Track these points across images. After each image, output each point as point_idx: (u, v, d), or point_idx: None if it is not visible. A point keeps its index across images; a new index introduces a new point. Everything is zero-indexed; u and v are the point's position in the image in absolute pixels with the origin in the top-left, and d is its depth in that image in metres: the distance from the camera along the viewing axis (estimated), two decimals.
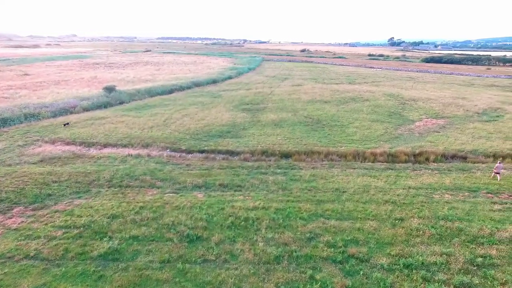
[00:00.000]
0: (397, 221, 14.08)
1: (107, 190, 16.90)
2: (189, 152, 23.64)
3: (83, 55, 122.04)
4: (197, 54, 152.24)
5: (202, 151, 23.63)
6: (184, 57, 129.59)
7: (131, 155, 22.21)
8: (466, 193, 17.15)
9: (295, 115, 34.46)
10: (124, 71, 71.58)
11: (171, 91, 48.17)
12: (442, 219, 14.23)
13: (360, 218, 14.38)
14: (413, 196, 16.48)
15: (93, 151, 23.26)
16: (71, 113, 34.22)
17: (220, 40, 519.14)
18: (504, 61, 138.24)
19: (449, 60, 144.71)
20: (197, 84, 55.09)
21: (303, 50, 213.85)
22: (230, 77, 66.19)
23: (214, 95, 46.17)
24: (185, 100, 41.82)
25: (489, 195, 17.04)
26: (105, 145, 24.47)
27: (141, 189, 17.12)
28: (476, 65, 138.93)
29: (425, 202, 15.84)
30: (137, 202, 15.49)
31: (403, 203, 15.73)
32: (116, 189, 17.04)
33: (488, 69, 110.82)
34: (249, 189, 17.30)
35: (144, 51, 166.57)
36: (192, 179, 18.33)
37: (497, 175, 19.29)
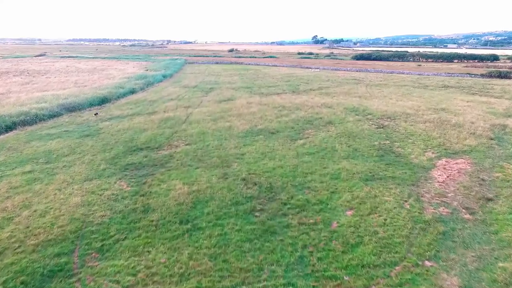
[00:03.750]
0: None
1: None
2: None
3: None
4: (106, 58, 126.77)
5: None
6: (86, 62, 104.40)
7: None
8: None
9: (225, 176, 18.05)
10: None
11: (8, 128, 27.76)
12: None
13: None
14: None
15: None
16: None
17: (141, 42, 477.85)
18: (426, 57, 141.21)
19: (378, 57, 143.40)
20: (72, 108, 35.16)
21: (231, 50, 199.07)
22: (132, 91, 47.04)
23: (86, 131, 27.29)
24: (15, 152, 22.33)
25: None
26: None
27: None
28: (402, 61, 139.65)
29: None
30: None
31: None
32: None
33: (419, 65, 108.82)
34: None
35: (37, 56, 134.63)
36: None
37: None
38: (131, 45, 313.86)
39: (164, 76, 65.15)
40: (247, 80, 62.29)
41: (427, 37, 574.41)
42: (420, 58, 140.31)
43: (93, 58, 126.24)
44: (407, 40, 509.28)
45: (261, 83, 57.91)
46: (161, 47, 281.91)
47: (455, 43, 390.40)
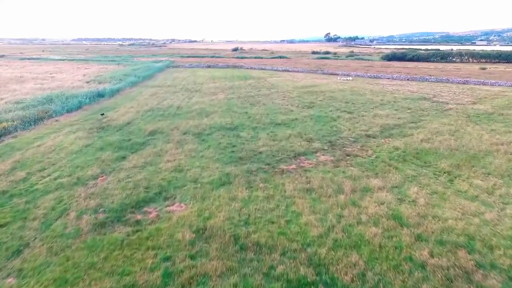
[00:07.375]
0: None
1: None
2: None
3: None
4: (73, 60, 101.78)
5: None
6: (38, 66, 79.25)
7: None
8: None
9: None
10: None
11: None
12: None
13: None
14: None
15: None
16: None
17: (145, 41, 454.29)
18: (479, 56, 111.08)
19: (415, 56, 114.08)
20: None
21: (235, 49, 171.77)
22: None
23: None
24: None
25: None
26: None
27: None
28: (446, 62, 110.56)
29: None
30: None
31: None
32: None
33: (482, 68, 79.65)
34: None
35: None
36: None
37: None
38: (129, 45, 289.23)
39: (101, 95, 38.31)
40: (239, 103, 35.05)
41: (443, 34, 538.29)
42: (470, 59, 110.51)
43: (59, 60, 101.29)
44: (423, 37, 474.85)
45: (263, 112, 30.61)
46: (160, 46, 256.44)
47: (482, 40, 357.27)
